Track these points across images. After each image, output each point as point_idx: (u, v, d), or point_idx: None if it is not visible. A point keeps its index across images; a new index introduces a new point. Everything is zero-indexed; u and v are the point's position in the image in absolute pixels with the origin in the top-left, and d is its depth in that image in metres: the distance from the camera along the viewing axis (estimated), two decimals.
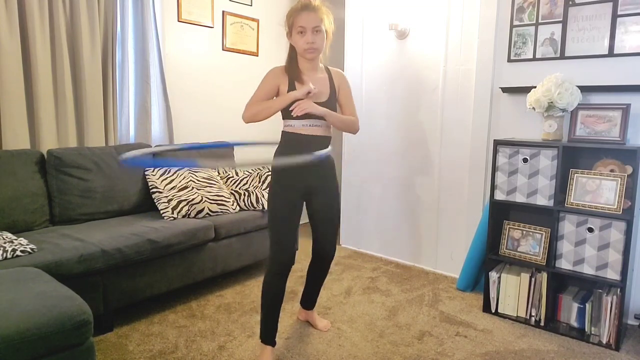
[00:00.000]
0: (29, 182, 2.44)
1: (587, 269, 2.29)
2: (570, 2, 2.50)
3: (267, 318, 2.02)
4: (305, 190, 2.02)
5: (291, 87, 1.93)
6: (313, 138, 1.95)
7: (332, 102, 2.00)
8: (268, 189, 2.05)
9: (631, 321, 2.48)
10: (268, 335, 2.03)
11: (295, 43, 1.93)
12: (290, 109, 1.86)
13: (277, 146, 2.03)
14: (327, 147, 2.03)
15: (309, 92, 1.85)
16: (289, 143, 1.97)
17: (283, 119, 1.98)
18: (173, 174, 2.88)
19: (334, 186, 2.11)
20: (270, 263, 2.00)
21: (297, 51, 1.95)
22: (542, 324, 2.43)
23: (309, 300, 2.37)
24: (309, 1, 1.89)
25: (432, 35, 3.08)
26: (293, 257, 2.02)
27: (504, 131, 2.83)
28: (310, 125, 1.94)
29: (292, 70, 1.96)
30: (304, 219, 2.17)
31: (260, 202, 3.00)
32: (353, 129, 2.10)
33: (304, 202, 2.07)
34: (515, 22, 2.71)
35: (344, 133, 3.69)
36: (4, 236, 2.10)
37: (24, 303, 1.48)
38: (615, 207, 2.18)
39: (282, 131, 2.00)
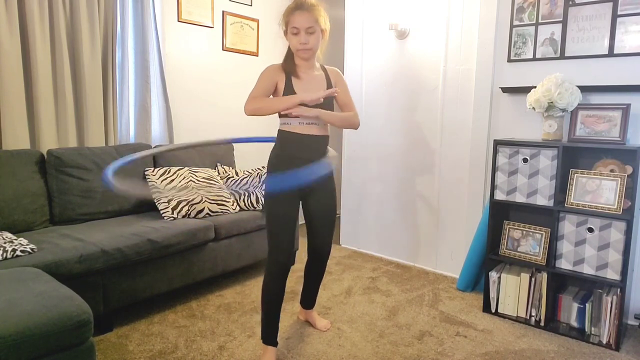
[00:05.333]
0: (29, 182, 2.44)
1: (587, 269, 2.29)
2: (570, 2, 2.50)
3: (267, 319, 2.02)
4: (303, 189, 2.01)
5: (288, 83, 1.93)
6: (310, 137, 1.95)
7: (329, 100, 2.00)
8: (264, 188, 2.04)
9: (631, 321, 2.48)
10: (269, 335, 2.03)
11: (290, 43, 1.94)
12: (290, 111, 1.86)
13: (273, 145, 2.02)
14: (326, 147, 2.03)
15: (318, 99, 1.85)
16: (286, 142, 1.96)
17: (280, 117, 1.97)
18: (173, 174, 2.88)
19: (331, 186, 2.11)
20: (269, 264, 1.99)
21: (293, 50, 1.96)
22: (542, 324, 2.43)
23: (308, 300, 2.37)
24: (303, 0, 1.89)
25: (432, 35, 3.08)
26: (292, 257, 2.02)
27: (504, 131, 2.83)
28: (306, 124, 1.93)
29: (290, 67, 1.96)
30: (301, 219, 2.16)
31: (260, 202, 3.00)
32: (353, 125, 2.08)
33: (301, 202, 2.07)
34: (515, 22, 2.71)
35: (343, 132, 3.70)
36: (4, 236, 2.10)
37: (24, 303, 1.48)
38: (615, 207, 2.18)
39: (279, 130, 1.99)
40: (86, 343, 1.51)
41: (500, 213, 2.65)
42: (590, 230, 2.27)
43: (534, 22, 2.63)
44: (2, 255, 1.93)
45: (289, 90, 1.92)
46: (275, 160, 1.99)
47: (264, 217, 2.95)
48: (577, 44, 2.51)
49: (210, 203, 2.81)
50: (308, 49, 1.89)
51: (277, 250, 1.96)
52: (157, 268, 2.41)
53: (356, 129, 2.13)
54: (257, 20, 3.87)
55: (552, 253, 2.39)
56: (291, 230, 1.99)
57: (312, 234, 2.15)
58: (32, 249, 2.02)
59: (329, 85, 2.02)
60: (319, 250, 2.18)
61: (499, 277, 2.57)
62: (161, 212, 2.68)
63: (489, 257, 2.61)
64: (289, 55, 1.99)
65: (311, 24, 1.87)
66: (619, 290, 2.23)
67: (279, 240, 1.95)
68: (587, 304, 2.35)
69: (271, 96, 1.98)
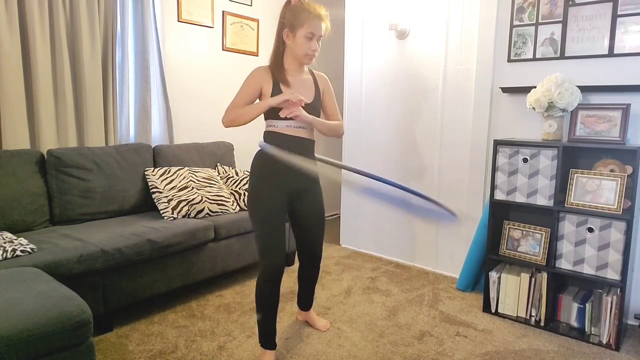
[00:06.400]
0: (29, 182, 2.44)
1: (587, 269, 2.29)
2: (570, 2, 2.50)
3: (264, 323, 1.99)
4: (290, 192, 1.98)
5: (275, 88, 1.90)
6: (297, 139, 1.94)
7: (316, 104, 1.99)
8: (248, 192, 1.98)
9: (631, 321, 2.48)
10: (267, 339, 2.02)
11: (297, 45, 1.89)
12: (279, 113, 1.84)
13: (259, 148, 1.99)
14: (312, 150, 2.02)
15: (285, 101, 1.82)
16: (274, 144, 1.92)
17: (266, 119, 1.96)
18: (173, 174, 2.89)
19: (318, 188, 2.09)
20: (262, 268, 1.94)
21: (292, 51, 1.93)
22: (542, 324, 2.43)
23: (305, 302, 2.37)
24: (321, 9, 1.89)
25: (432, 35, 3.08)
26: (284, 259, 1.98)
27: (504, 131, 2.83)
28: (294, 127, 1.92)
29: (278, 70, 1.94)
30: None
31: None
32: (338, 134, 2.11)
33: (288, 205, 2.03)
34: (515, 22, 2.71)
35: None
36: (4, 236, 2.10)
37: (24, 303, 1.48)
38: (615, 207, 2.18)
39: (266, 132, 1.97)
40: (86, 343, 1.51)
41: (500, 213, 2.65)
42: (590, 230, 2.27)
43: (534, 22, 2.63)
44: (2, 255, 1.93)
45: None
46: (261, 162, 1.95)
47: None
48: (577, 44, 2.51)
49: (210, 203, 2.81)
50: (315, 55, 1.92)
51: (270, 254, 1.92)
52: (157, 268, 2.41)
53: (339, 137, 2.18)
54: (257, 20, 3.88)
55: (552, 253, 2.39)
56: (281, 233, 1.95)
57: (301, 238, 2.13)
58: (32, 249, 2.02)
59: (317, 90, 2.02)
60: (310, 254, 2.16)
61: (499, 277, 2.57)
62: (161, 212, 2.68)
63: (489, 257, 2.61)
64: (279, 58, 1.96)
65: (323, 33, 1.90)
66: (619, 290, 2.23)
67: (271, 244, 1.92)
68: (587, 304, 2.34)
69: (257, 101, 1.96)
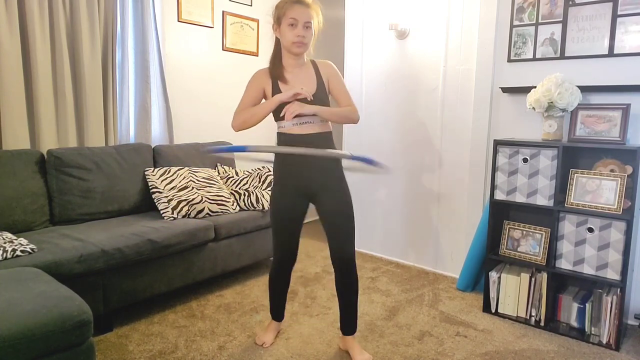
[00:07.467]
0: (29, 182, 2.44)
1: (587, 269, 2.29)
2: (570, 2, 2.50)
3: (273, 300, 2.21)
4: (308, 190, 1.97)
5: (274, 87, 1.92)
6: (309, 137, 1.90)
7: (320, 95, 1.92)
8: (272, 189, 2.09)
9: (631, 321, 2.48)
10: (277, 313, 2.23)
11: (283, 35, 1.89)
12: (281, 114, 1.85)
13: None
14: (328, 143, 1.96)
15: (295, 94, 1.83)
16: (284, 144, 1.94)
17: (275, 121, 1.97)
18: (173, 174, 2.89)
19: (341, 185, 1.98)
20: (273, 257, 2.14)
21: (283, 45, 1.92)
22: (542, 324, 2.43)
23: (342, 322, 2.10)
24: None
25: (432, 35, 3.08)
26: (293, 255, 2.12)
27: (504, 131, 2.83)
28: (300, 124, 1.89)
29: (275, 69, 1.95)
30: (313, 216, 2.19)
31: (260, 202, 3.00)
32: (351, 120, 1.96)
33: (309, 203, 2.04)
34: (515, 22, 2.71)
35: (343, 134, 3.70)
36: (4, 236, 2.10)
37: (24, 303, 1.48)
38: (615, 207, 2.18)
39: (277, 133, 1.98)
40: (86, 343, 1.51)
41: (500, 213, 2.65)
42: (590, 230, 2.27)
43: (534, 22, 2.63)
44: (2, 255, 1.93)
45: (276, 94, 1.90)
46: (278, 166, 2.00)
47: (265, 217, 3.01)
48: (577, 44, 2.51)
49: (210, 203, 2.81)
50: (304, 43, 1.87)
51: (279, 250, 2.09)
52: (157, 268, 2.41)
53: (355, 123, 2.01)
54: (257, 20, 3.88)
55: (552, 253, 2.39)
56: (293, 231, 2.05)
57: (328, 238, 2.03)
58: (32, 249, 2.02)
59: (319, 80, 1.95)
60: (336, 257, 2.00)
61: (499, 277, 2.57)
62: (161, 212, 2.68)
63: (489, 257, 2.61)
64: (277, 56, 1.97)
65: (309, 18, 1.86)
66: (619, 290, 2.23)
67: (278, 239, 2.07)
68: (587, 304, 2.35)
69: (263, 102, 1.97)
